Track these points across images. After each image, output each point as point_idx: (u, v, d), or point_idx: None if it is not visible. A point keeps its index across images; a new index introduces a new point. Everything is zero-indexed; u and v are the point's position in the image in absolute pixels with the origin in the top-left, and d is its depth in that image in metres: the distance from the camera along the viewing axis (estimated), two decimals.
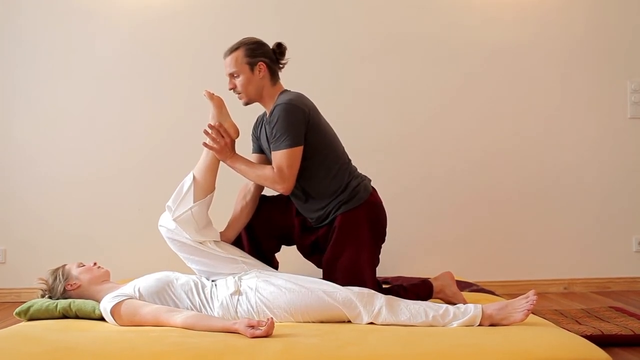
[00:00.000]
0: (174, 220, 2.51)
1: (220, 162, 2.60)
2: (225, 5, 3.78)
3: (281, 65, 2.65)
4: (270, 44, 2.64)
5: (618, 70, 3.88)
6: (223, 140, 2.55)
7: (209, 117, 2.60)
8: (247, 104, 2.63)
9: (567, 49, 3.87)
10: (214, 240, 2.58)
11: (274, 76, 2.62)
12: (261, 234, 2.70)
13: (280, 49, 2.62)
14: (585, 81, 3.87)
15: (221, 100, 2.60)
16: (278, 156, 2.49)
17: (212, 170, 2.58)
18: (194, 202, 2.51)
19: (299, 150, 2.50)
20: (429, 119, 3.82)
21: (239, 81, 2.57)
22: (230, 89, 2.61)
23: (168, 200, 2.55)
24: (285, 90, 2.64)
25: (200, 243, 2.53)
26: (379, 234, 2.63)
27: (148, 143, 3.76)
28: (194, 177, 2.56)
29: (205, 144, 2.56)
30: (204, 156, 2.59)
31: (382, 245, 2.67)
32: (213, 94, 2.59)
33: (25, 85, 3.74)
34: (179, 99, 3.76)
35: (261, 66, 2.56)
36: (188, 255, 2.55)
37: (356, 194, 2.57)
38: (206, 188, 2.56)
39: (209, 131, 2.55)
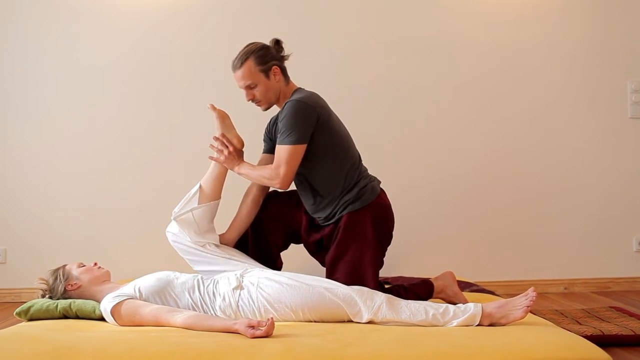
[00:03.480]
0: (175, 219, 2.56)
1: (228, 173, 2.65)
2: (226, 6, 3.78)
3: (285, 60, 2.66)
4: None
5: (618, 70, 3.88)
6: (227, 149, 2.60)
7: (215, 129, 2.65)
8: (267, 109, 2.67)
9: (567, 49, 3.87)
10: (216, 245, 2.62)
11: (285, 76, 2.65)
12: (269, 228, 2.71)
13: (278, 45, 2.64)
14: (585, 81, 3.88)
15: (223, 112, 2.65)
16: (280, 151, 2.52)
17: (218, 180, 2.64)
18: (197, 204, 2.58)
19: (301, 148, 2.51)
20: (429, 119, 3.82)
21: (257, 91, 2.58)
22: (249, 100, 2.62)
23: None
24: (299, 89, 2.66)
25: (202, 246, 2.57)
26: (384, 236, 2.63)
27: (149, 144, 3.76)
28: (200, 186, 2.63)
29: (211, 158, 2.63)
30: (211, 166, 2.66)
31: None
32: (215, 107, 2.64)
33: (25, 86, 3.74)
34: (180, 101, 3.76)
35: (275, 70, 2.58)
36: (193, 257, 2.59)
37: (362, 195, 2.58)
38: (210, 196, 2.62)
39: (214, 144, 2.61)
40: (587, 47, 3.88)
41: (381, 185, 2.71)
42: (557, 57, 3.87)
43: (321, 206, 2.62)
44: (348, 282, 2.45)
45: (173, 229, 2.61)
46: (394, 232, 2.70)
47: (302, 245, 2.78)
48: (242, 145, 2.66)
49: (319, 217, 2.65)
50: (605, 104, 3.88)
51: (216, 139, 2.62)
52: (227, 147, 2.61)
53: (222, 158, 2.60)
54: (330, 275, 2.56)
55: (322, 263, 2.69)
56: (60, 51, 3.75)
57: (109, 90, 3.76)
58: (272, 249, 2.73)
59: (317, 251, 2.71)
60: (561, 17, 3.87)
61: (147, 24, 3.76)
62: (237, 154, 2.63)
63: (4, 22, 3.74)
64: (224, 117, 2.65)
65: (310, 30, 3.79)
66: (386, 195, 2.68)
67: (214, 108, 2.64)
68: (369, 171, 2.74)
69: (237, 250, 2.66)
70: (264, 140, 2.80)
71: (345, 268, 2.53)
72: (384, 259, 2.67)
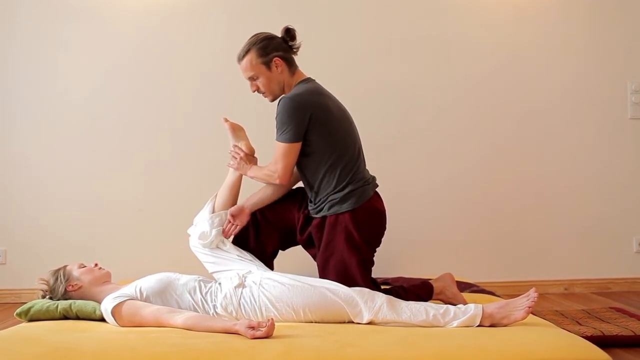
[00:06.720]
0: (192, 227, 2.69)
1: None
2: (226, 5, 3.78)
3: (295, 50, 2.66)
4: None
5: (618, 70, 3.88)
6: (239, 156, 2.70)
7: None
8: (273, 100, 2.68)
9: (567, 49, 3.87)
10: (228, 245, 2.67)
11: (291, 66, 2.65)
12: (265, 233, 2.71)
13: (289, 34, 2.64)
14: (585, 81, 3.87)
15: (235, 124, 2.77)
16: (276, 147, 2.57)
17: (231, 190, 2.75)
18: (211, 212, 2.70)
19: (294, 146, 2.53)
20: (430, 120, 3.82)
21: (260, 82, 2.62)
22: (254, 91, 2.66)
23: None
24: (303, 81, 2.65)
25: (214, 249, 2.64)
26: (370, 240, 2.61)
27: (149, 144, 3.75)
28: (216, 195, 2.75)
29: (229, 165, 2.75)
30: (227, 175, 2.77)
31: (382, 247, 2.67)
32: (227, 120, 2.76)
33: (25, 86, 3.73)
34: (181, 101, 3.76)
35: (277, 61, 2.59)
36: (210, 260, 2.65)
37: (349, 199, 2.56)
38: (222, 204, 2.72)
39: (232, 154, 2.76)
40: (587, 47, 3.88)
41: (382, 185, 2.70)
42: (557, 57, 3.87)
43: (313, 198, 2.64)
44: (340, 283, 2.44)
45: (192, 236, 2.69)
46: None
47: (299, 247, 2.78)
48: (252, 152, 2.76)
49: (310, 208, 2.67)
50: (605, 105, 3.88)
51: (231, 150, 2.76)
52: (238, 154, 2.71)
53: (235, 165, 2.71)
54: (322, 277, 2.56)
55: (314, 257, 2.71)
56: (60, 51, 3.74)
57: (109, 90, 3.75)
58: (268, 257, 2.75)
59: (309, 244, 2.72)
60: (561, 17, 3.86)
61: (147, 24, 3.75)
62: (248, 160, 2.71)
63: (4, 22, 3.73)
64: (234, 129, 2.77)
65: (310, 29, 3.77)
66: (381, 200, 2.66)
67: (226, 121, 2.75)
68: (370, 171, 2.73)
69: (246, 252, 2.68)
70: None
71: (335, 271, 2.54)
72: (380, 257, 2.67)
